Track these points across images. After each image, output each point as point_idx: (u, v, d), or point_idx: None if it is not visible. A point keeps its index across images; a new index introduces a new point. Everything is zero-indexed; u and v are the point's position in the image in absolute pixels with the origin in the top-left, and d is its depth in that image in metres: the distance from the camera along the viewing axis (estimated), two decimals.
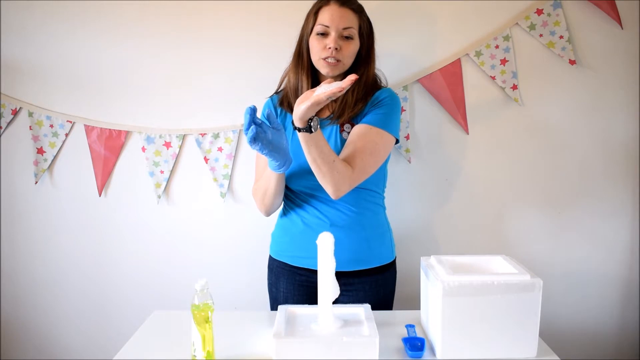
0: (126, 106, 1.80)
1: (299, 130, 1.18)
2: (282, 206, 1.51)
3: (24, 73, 1.78)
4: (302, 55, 1.38)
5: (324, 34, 1.32)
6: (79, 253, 1.89)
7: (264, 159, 1.45)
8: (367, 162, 1.31)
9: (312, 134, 1.18)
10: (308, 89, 1.33)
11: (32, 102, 1.80)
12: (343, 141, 1.37)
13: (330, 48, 1.30)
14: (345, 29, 1.31)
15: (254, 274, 1.75)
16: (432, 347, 1.16)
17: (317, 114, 1.41)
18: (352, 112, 1.36)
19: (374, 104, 1.38)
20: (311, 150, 1.21)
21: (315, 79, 1.40)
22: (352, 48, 1.34)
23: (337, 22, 1.31)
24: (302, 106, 1.13)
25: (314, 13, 1.34)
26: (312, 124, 1.17)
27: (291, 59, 1.42)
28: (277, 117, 1.44)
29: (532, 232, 1.83)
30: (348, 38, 1.33)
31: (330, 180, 1.25)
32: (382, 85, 1.46)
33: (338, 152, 1.34)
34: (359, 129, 1.34)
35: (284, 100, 1.44)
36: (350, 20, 1.33)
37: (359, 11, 1.36)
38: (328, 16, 1.31)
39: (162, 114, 1.80)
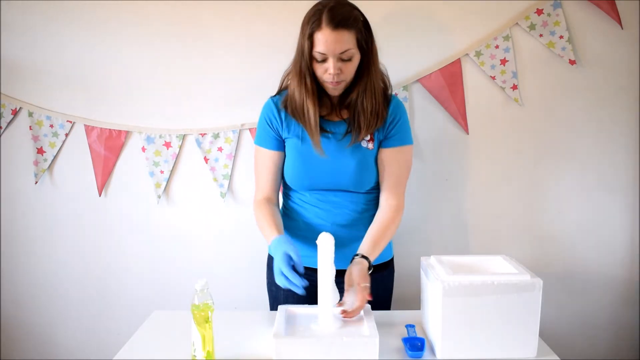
0: (126, 106, 1.80)
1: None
2: (281, 205, 1.51)
3: (24, 73, 1.78)
4: (304, 76, 1.31)
5: (323, 60, 1.28)
6: (79, 253, 1.89)
7: (265, 165, 1.43)
8: (406, 181, 1.43)
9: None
10: (315, 114, 1.32)
11: (32, 102, 1.80)
12: (363, 149, 1.37)
13: (331, 74, 1.27)
14: (343, 52, 1.26)
15: (254, 274, 1.75)
16: (432, 347, 1.16)
17: (326, 116, 1.39)
18: (380, 123, 1.36)
19: (391, 124, 1.38)
20: None
21: (319, 97, 1.36)
22: (353, 65, 1.30)
23: (333, 48, 1.24)
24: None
25: (309, 36, 1.26)
26: (371, 266, 1.28)
27: (292, 66, 1.36)
28: (283, 122, 1.39)
29: (532, 232, 1.83)
30: (347, 60, 1.28)
31: None
32: (388, 85, 1.43)
33: (361, 159, 1.37)
34: (390, 154, 1.39)
35: (288, 106, 1.38)
36: (346, 41, 1.25)
37: (354, 24, 1.26)
38: (323, 43, 1.24)
39: (162, 114, 1.80)
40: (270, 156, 1.42)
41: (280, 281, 1.21)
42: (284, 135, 1.41)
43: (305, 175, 1.39)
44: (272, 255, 1.27)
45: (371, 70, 1.33)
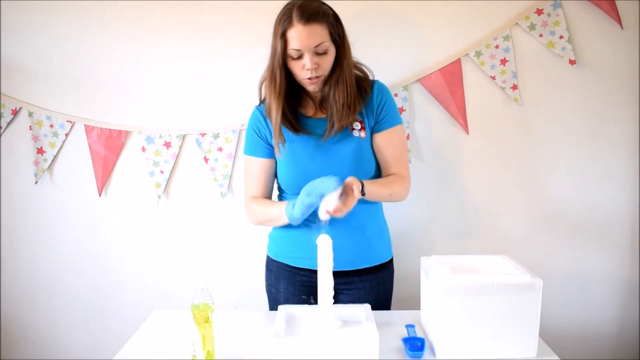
0: (126, 106, 1.80)
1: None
2: None
3: (24, 73, 1.78)
4: (275, 77, 1.32)
5: (299, 57, 1.28)
6: (79, 253, 1.89)
7: (257, 173, 1.43)
8: (406, 158, 1.45)
9: (366, 195, 1.28)
10: (277, 116, 1.33)
11: (32, 102, 1.80)
12: (356, 139, 1.38)
13: (309, 69, 1.28)
14: (317, 46, 1.27)
15: (254, 274, 1.75)
16: (432, 347, 1.16)
17: (311, 114, 1.40)
18: (353, 116, 1.36)
19: (379, 108, 1.38)
20: (373, 200, 1.36)
21: (301, 98, 1.38)
22: (330, 58, 1.31)
23: (307, 43, 1.25)
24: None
25: (281, 35, 1.27)
26: (364, 191, 1.26)
27: (266, 70, 1.36)
28: (270, 129, 1.40)
29: (532, 232, 1.83)
30: (323, 53, 1.29)
31: (398, 199, 1.42)
32: (367, 74, 1.43)
33: (356, 150, 1.37)
34: (384, 137, 1.40)
35: None
36: (319, 34, 1.26)
37: (325, 18, 1.27)
38: (297, 39, 1.25)
39: (162, 114, 1.80)
40: (261, 164, 1.43)
41: (302, 208, 1.25)
42: (273, 142, 1.41)
43: (303, 177, 1.38)
44: (296, 216, 1.28)
45: (343, 64, 1.33)
